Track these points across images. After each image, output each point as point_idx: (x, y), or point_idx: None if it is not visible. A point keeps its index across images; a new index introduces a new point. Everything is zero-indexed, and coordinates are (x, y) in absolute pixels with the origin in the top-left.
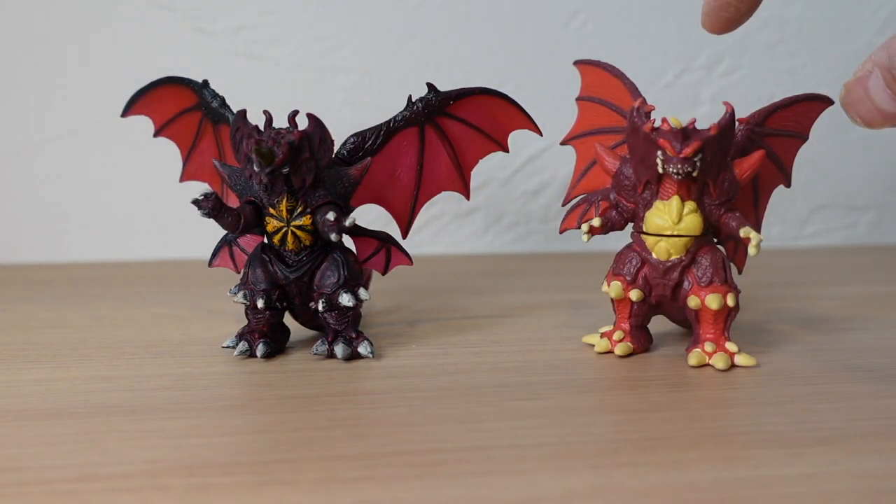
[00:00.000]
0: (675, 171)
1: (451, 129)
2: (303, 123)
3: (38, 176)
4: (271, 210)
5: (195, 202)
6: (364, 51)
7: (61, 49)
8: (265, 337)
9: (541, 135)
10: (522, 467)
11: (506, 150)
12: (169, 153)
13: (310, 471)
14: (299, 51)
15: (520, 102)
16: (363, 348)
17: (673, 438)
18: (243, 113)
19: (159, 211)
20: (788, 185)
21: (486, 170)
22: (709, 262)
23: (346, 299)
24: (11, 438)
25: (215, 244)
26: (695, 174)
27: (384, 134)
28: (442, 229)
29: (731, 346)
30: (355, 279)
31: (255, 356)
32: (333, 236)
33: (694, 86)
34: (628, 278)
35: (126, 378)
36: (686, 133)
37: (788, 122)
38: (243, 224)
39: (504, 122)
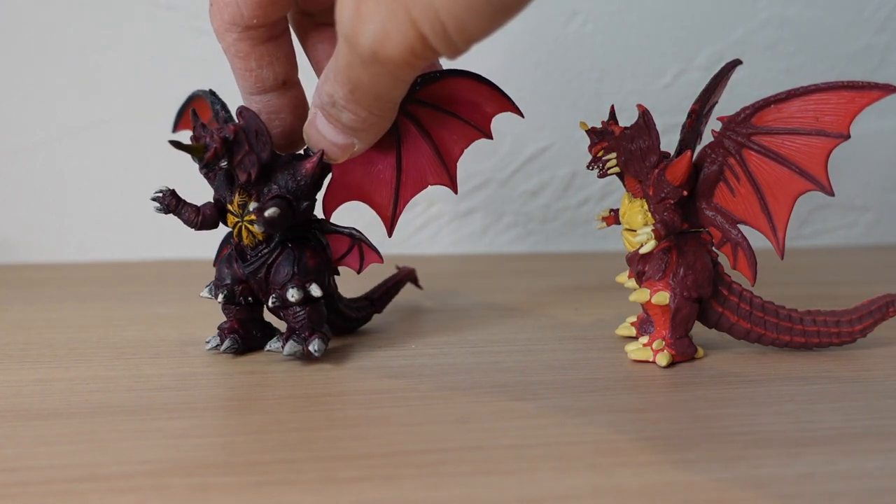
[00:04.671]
0: (589, 168)
1: (424, 116)
2: None
3: (38, 176)
4: (228, 206)
5: (155, 199)
6: None
7: (61, 49)
8: (234, 333)
9: (521, 116)
10: (522, 467)
11: (489, 136)
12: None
13: (309, 471)
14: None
15: (514, 99)
16: (313, 346)
17: (673, 438)
18: (194, 111)
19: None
20: (822, 189)
21: (486, 170)
22: (657, 258)
23: (291, 294)
24: (11, 438)
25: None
26: (606, 172)
27: None
28: (441, 229)
29: (655, 344)
30: (306, 274)
31: (231, 352)
32: (257, 227)
33: (693, 86)
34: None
35: (126, 378)
36: (596, 134)
37: (795, 117)
38: (200, 220)
39: (482, 105)
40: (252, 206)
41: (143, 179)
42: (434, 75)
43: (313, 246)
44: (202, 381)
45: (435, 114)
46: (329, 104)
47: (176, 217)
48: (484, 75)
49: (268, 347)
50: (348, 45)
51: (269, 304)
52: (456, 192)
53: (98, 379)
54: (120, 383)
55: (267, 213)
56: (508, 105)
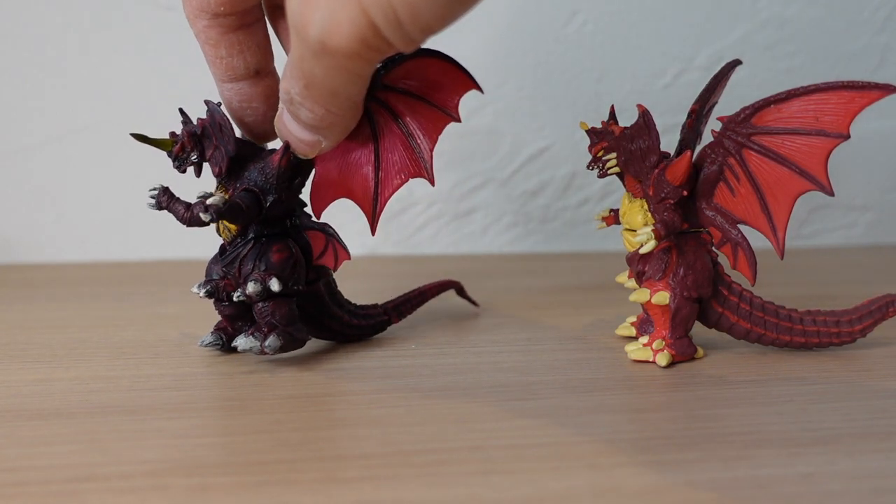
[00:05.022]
0: (589, 168)
1: (395, 103)
2: None
3: (38, 176)
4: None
5: (151, 195)
6: None
7: (61, 49)
8: (221, 330)
9: (481, 91)
10: (522, 467)
11: (457, 119)
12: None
13: (309, 471)
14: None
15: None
16: (267, 342)
17: (673, 438)
18: (181, 109)
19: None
20: (822, 189)
21: (486, 170)
22: (657, 258)
23: (249, 287)
24: (11, 438)
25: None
26: (606, 172)
27: None
28: (441, 229)
29: (655, 344)
30: (268, 269)
31: (214, 348)
32: (203, 216)
33: (693, 86)
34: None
35: (126, 378)
36: (596, 134)
37: (795, 117)
38: (189, 216)
39: (447, 86)
40: (201, 194)
41: (143, 179)
42: (397, 57)
43: (284, 241)
44: (202, 381)
45: (405, 99)
46: (287, 101)
47: (169, 213)
48: (446, 53)
49: (233, 343)
50: (298, 36)
51: (234, 298)
52: (433, 184)
53: (98, 379)
54: (120, 383)
55: (209, 201)
56: (471, 83)
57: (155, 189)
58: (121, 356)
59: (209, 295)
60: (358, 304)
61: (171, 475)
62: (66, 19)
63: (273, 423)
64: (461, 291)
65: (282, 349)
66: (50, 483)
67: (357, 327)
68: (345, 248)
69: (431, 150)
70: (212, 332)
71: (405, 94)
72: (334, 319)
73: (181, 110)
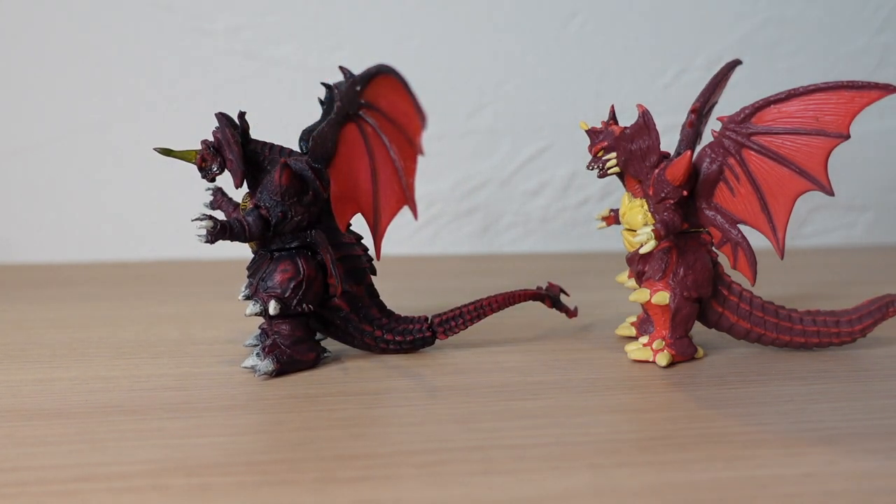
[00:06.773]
0: (589, 168)
1: (378, 122)
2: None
3: (38, 176)
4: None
5: (211, 195)
6: (364, 51)
7: (61, 49)
8: (264, 332)
9: (422, 153)
10: (522, 467)
11: (420, 151)
12: None
13: (309, 471)
14: (299, 51)
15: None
16: (260, 366)
17: (673, 438)
18: (216, 114)
19: (159, 211)
20: (822, 189)
21: (486, 170)
22: (657, 258)
23: (248, 309)
24: (11, 438)
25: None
26: (606, 172)
27: (329, 130)
28: (441, 229)
29: (655, 344)
30: (268, 289)
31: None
32: (199, 239)
33: (693, 86)
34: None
35: (126, 378)
36: (596, 134)
37: (795, 117)
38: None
39: (408, 113)
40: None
41: (143, 179)
42: (373, 72)
43: (292, 261)
44: (202, 381)
45: (384, 121)
46: None
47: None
48: (407, 79)
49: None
50: None
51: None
52: (416, 217)
53: (98, 379)
54: (120, 383)
55: (200, 224)
56: (418, 121)
57: (209, 189)
58: (121, 356)
59: (247, 298)
60: (403, 315)
61: (171, 475)
62: (67, 19)
63: (273, 423)
64: (554, 302)
65: (279, 373)
66: (49, 483)
67: (393, 342)
68: (336, 278)
69: (410, 177)
70: (256, 335)
71: (383, 116)
72: (365, 334)
73: (217, 115)
